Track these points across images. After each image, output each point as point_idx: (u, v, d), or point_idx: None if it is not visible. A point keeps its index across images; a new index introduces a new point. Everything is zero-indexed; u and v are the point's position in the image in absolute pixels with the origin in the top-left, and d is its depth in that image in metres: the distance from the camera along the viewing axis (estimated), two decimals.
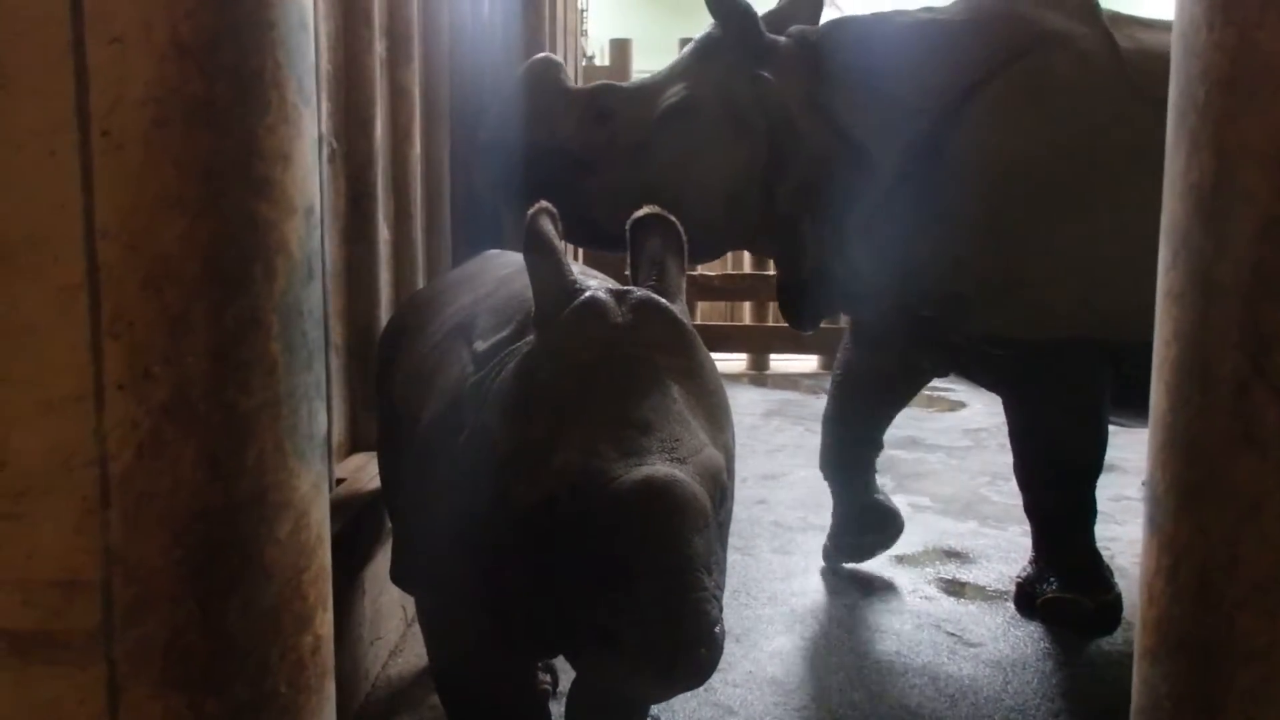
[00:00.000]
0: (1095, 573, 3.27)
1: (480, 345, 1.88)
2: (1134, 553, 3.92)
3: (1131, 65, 2.76)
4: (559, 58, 3.43)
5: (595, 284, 1.73)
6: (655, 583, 1.40)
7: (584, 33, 7.62)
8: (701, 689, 2.72)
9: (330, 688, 1.21)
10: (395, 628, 3.09)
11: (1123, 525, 4.27)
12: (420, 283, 3.52)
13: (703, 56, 2.93)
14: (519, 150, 2.98)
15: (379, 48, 3.24)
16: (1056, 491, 3.19)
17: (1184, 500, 1.11)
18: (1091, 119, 2.70)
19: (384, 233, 3.28)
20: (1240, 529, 1.11)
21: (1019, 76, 2.72)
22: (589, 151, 2.91)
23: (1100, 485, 4.81)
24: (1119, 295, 2.69)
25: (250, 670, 1.07)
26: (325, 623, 1.19)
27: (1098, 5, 2.92)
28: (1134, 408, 2.86)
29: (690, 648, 1.38)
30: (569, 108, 2.96)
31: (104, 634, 0.99)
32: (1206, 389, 1.07)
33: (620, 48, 8.08)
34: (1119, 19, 2.94)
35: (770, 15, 3.08)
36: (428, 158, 3.76)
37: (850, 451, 3.58)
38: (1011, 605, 3.40)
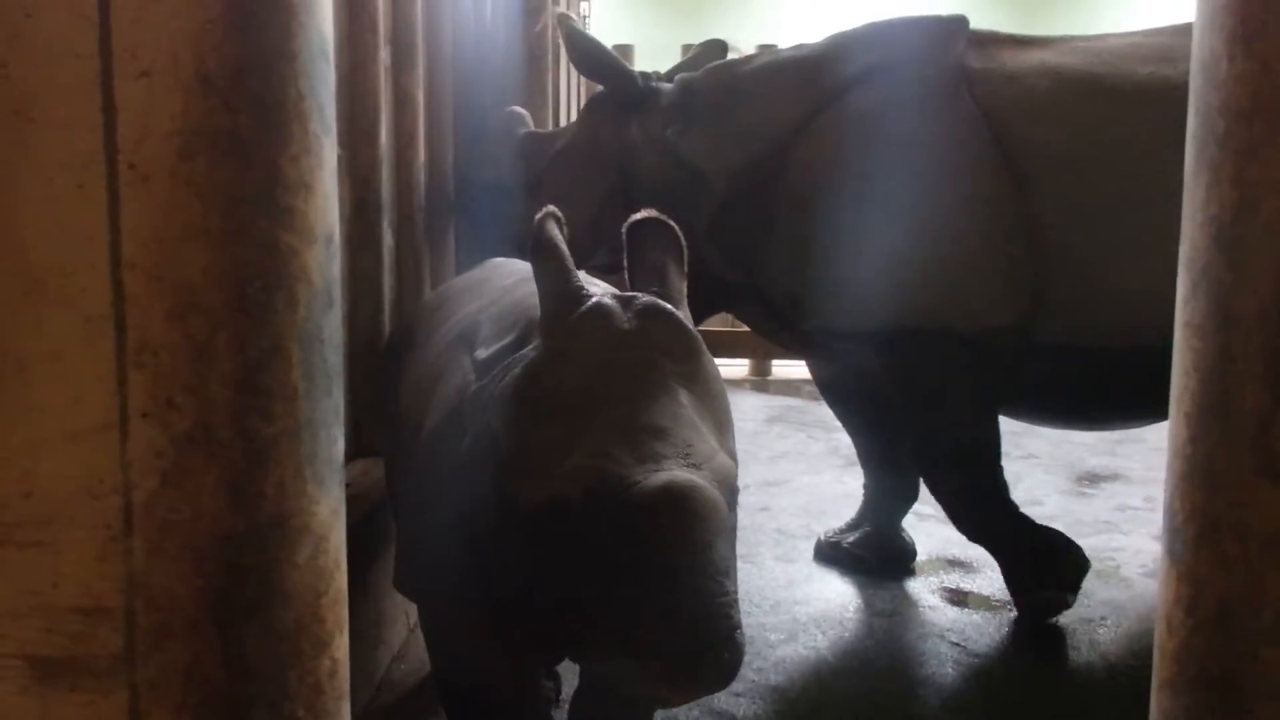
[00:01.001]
0: (1032, 563, 3.33)
1: (482, 353, 1.88)
2: (1139, 563, 3.94)
3: (979, 84, 3.15)
4: (522, 110, 4.09)
5: (600, 290, 1.74)
6: (678, 587, 1.42)
7: None
8: (704, 697, 2.73)
9: (346, 710, 1.22)
10: (399, 632, 3.10)
11: (1127, 535, 4.29)
12: (425, 290, 3.53)
13: (589, 109, 3.70)
14: (481, 185, 3.88)
15: (384, 54, 3.25)
16: (931, 476, 3.37)
17: (1204, 532, 1.11)
18: (907, 138, 3.10)
19: (388, 239, 3.29)
20: (1263, 562, 1.11)
21: (843, 107, 3.23)
22: (515, 185, 3.72)
23: (1104, 495, 4.85)
24: (939, 289, 3.03)
25: (270, 695, 1.08)
26: (342, 646, 1.20)
27: (953, 32, 3.29)
28: (1045, 409, 3.30)
29: (714, 651, 1.40)
30: (510, 152, 3.78)
31: (126, 660, 1.00)
32: (1227, 421, 1.07)
33: (622, 54, 8.06)
34: (993, 40, 3.31)
35: (682, 65, 3.80)
36: (431, 165, 3.76)
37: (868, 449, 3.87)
38: (1015, 614, 3.42)
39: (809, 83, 3.31)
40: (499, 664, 1.93)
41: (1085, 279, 2.96)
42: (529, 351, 1.72)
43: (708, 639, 1.40)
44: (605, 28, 9.84)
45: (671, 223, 1.84)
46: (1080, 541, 4.14)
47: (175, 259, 0.98)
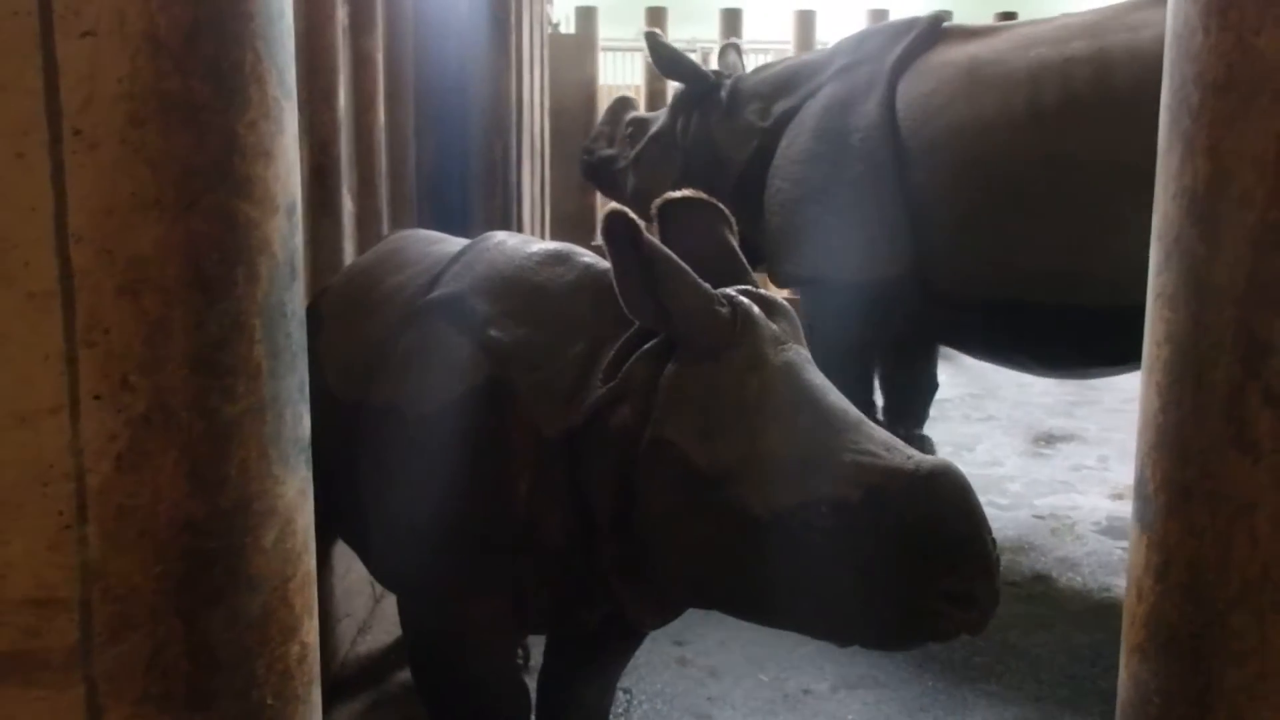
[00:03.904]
0: None
1: (499, 335, 1.86)
2: (1093, 520, 4.01)
3: (904, 77, 3.81)
4: (631, 96, 5.52)
5: (720, 291, 1.76)
6: (981, 550, 1.53)
7: (549, 0, 7.49)
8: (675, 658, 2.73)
9: (317, 695, 1.19)
10: (364, 604, 3.06)
11: (1083, 494, 4.35)
12: None
13: (675, 101, 4.67)
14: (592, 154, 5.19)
15: (341, 14, 3.15)
16: None
17: (1175, 500, 1.11)
18: (836, 126, 3.87)
19: (348, 205, 3.21)
20: (1232, 529, 1.12)
21: (813, 101, 4.05)
22: (621, 160, 4.93)
23: (1061, 455, 4.92)
24: (840, 247, 3.72)
25: (237, 684, 1.04)
26: (311, 630, 1.16)
27: (905, 31, 3.93)
28: (984, 349, 3.88)
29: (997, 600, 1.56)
30: (620, 133, 5.00)
31: (82, 653, 0.95)
32: (1199, 391, 1.07)
33: (586, 15, 7.98)
34: (954, 33, 3.91)
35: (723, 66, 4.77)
36: (392, 128, 3.68)
37: None
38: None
39: (803, 82, 4.14)
40: (499, 638, 2.00)
41: (955, 241, 3.51)
42: (658, 350, 1.75)
43: (997, 592, 1.55)
44: None
45: (716, 202, 1.98)
46: (1037, 500, 4.23)
47: (126, 231, 0.92)
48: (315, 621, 1.17)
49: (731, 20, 7.90)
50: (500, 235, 2.14)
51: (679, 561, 1.72)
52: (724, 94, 4.35)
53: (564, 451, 1.80)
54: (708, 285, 1.73)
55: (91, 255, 0.91)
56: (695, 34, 10.57)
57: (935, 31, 3.92)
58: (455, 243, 2.32)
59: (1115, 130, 3.23)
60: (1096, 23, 3.55)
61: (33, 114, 0.87)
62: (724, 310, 1.72)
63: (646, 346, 1.77)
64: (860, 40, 4.13)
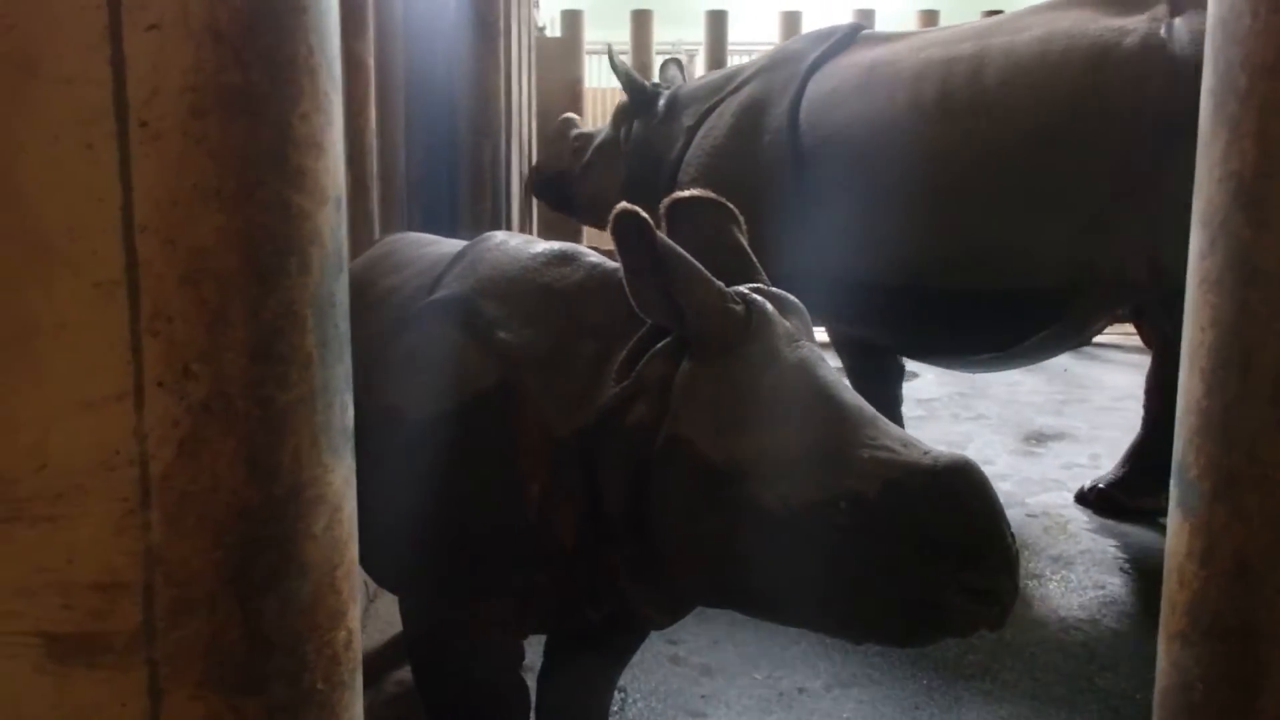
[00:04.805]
0: None
1: (508, 337, 1.86)
2: (1085, 518, 4.05)
3: (812, 80, 4.09)
4: (574, 115, 5.77)
5: (733, 289, 1.78)
6: (1001, 545, 1.54)
7: (536, 4, 7.51)
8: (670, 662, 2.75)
9: (359, 682, 1.20)
10: (359, 604, 3.07)
11: (1074, 491, 4.39)
12: None
13: (615, 114, 5.02)
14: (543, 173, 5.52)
15: None
16: None
17: (1220, 485, 1.12)
18: (749, 125, 4.16)
19: None
20: None
21: (729, 103, 4.33)
22: (571, 175, 5.27)
23: (1052, 454, 4.96)
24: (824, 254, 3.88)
25: (289, 668, 1.05)
26: (355, 617, 1.18)
27: (825, 37, 4.25)
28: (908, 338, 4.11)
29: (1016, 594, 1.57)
30: (566, 149, 5.32)
31: (145, 636, 0.97)
32: (1246, 375, 1.09)
33: (572, 19, 7.99)
34: (871, 38, 4.21)
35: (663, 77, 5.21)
36: (382, 130, 3.69)
37: None
38: None
39: (729, 84, 4.42)
40: (504, 638, 2.03)
41: (846, 230, 3.73)
42: (671, 349, 1.76)
43: (1017, 583, 1.56)
44: None
45: (724, 201, 1.98)
46: (1029, 499, 4.28)
47: (188, 222, 0.94)
48: (359, 609, 1.19)
49: (717, 22, 7.92)
50: (500, 235, 2.14)
51: (693, 559, 1.73)
52: (662, 102, 4.72)
53: (576, 452, 1.81)
54: (720, 283, 1.74)
55: (156, 245, 0.92)
56: (681, 36, 10.62)
57: (852, 37, 4.23)
58: (450, 244, 2.31)
59: (983, 125, 3.53)
60: (992, 25, 3.87)
61: (101, 106, 0.88)
62: (738, 307, 1.73)
63: (659, 345, 1.78)
64: (786, 45, 4.46)
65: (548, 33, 8.91)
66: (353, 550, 1.17)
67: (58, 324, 0.90)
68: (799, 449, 1.63)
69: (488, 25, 4.77)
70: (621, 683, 2.78)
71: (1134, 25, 3.46)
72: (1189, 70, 3.22)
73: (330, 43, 1.05)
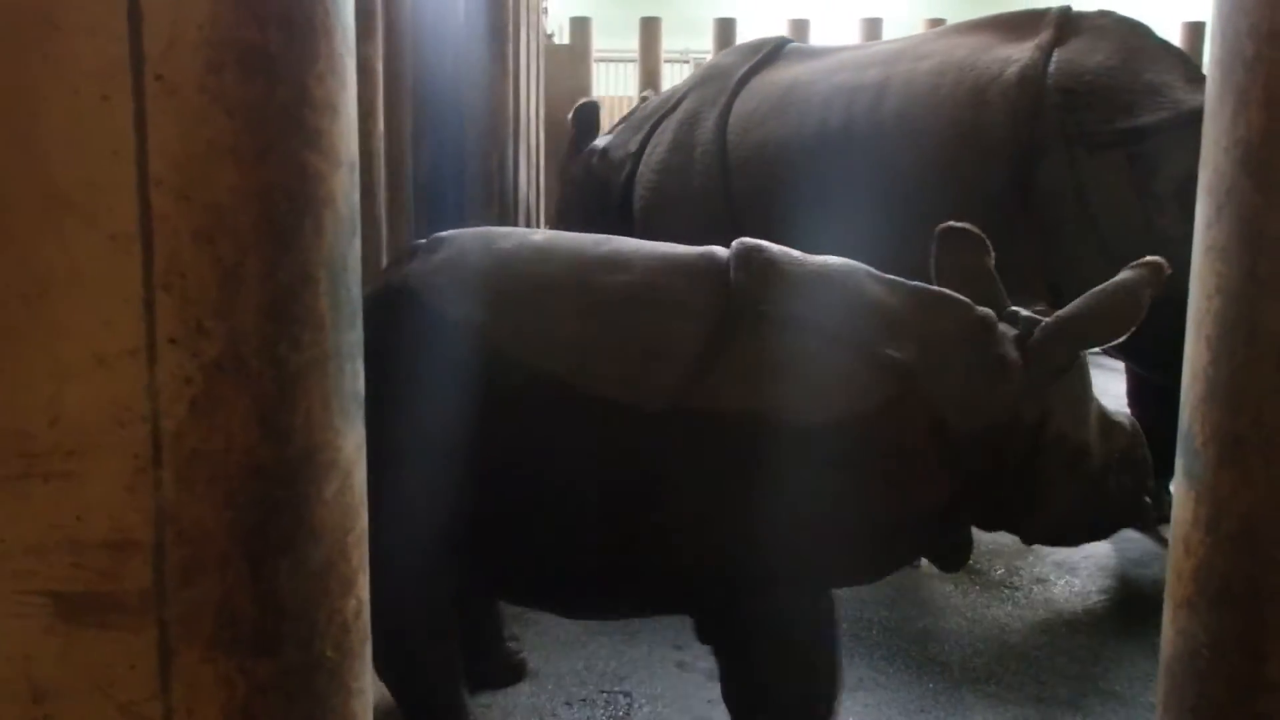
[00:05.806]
0: None
1: (897, 355, 2.19)
2: None
3: (739, 97, 4.37)
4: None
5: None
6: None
7: (544, 10, 7.54)
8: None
9: (369, 653, 1.20)
10: None
11: None
12: (383, 260, 3.47)
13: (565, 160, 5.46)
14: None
15: None
16: None
17: (1226, 450, 1.13)
18: (682, 140, 4.48)
19: None
20: None
21: (670, 118, 4.60)
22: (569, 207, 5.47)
23: None
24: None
25: (301, 633, 1.05)
26: (365, 586, 1.17)
27: (755, 51, 4.54)
28: None
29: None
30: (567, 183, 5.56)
31: (156, 596, 0.96)
32: (1252, 341, 1.09)
33: (580, 26, 8.03)
34: (796, 53, 4.52)
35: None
36: (390, 135, 3.70)
37: None
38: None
39: (663, 104, 4.71)
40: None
41: (773, 237, 4.01)
42: (1039, 353, 2.32)
43: None
44: (566, 1, 9.74)
45: (979, 233, 2.58)
46: None
47: (203, 178, 0.94)
48: (367, 578, 1.19)
49: (725, 30, 7.96)
50: (810, 257, 2.35)
51: (1056, 511, 2.40)
52: (606, 142, 5.08)
53: (973, 452, 2.21)
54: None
55: (170, 200, 0.92)
56: (689, 44, 10.66)
57: (779, 52, 4.47)
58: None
59: (884, 154, 3.84)
60: (899, 50, 4.16)
61: (119, 58, 0.88)
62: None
63: (1019, 356, 2.28)
64: (718, 58, 4.69)
65: (556, 40, 8.96)
66: (363, 518, 1.16)
67: (72, 277, 0.90)
68: (1096, 430, 2.42)
69: (497, 31, 4.79)
70: (627, 687, 2.77)
71: (1019, 55, 3.73)
72: (1054, 97, 3.57)
73: (344, 6, 1.05)
